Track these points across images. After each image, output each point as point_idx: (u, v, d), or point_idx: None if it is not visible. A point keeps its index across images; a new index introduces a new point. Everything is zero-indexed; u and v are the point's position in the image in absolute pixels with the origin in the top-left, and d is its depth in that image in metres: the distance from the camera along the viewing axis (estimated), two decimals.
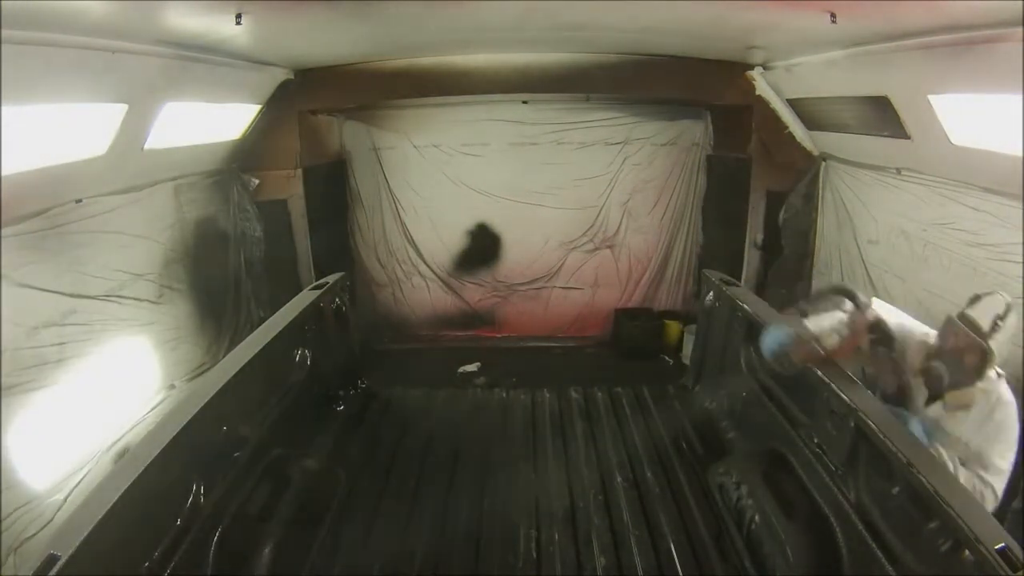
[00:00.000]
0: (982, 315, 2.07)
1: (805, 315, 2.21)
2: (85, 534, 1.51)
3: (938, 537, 1.65)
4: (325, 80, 4.99)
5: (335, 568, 2.36)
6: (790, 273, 5.27)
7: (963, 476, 2.04)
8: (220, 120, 4.51)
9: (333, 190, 6.05)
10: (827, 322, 2.17)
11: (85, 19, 2.42)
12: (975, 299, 2.15)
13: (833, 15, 2.78)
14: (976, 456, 2.05)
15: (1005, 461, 2.04)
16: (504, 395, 3.76)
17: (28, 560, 1.47)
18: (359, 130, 6.17)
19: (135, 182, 3.85)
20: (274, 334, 2.73)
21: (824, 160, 4.87)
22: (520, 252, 6.48)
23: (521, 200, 6.31)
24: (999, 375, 2.13)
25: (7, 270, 2.82)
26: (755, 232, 5.50)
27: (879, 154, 4.03)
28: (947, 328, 2.13)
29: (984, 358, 2.04)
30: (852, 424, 2.06)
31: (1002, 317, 2.06)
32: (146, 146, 3.64)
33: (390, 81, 5.04)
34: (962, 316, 2.10)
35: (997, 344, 2.04)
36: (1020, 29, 2.31)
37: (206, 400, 2.13)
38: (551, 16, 3.44)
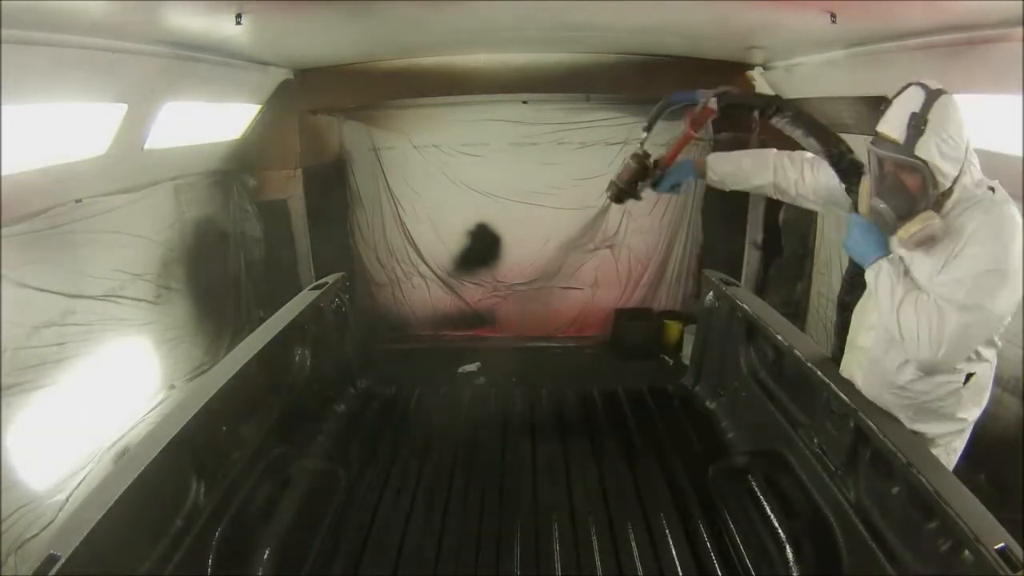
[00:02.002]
0: (896, 123, 1.68)
1: None
2: (85, 534, 1.51)
3: (938, 537, 1.65)
4: (325, 80, 4.98)
5: (335, 568, 2.36)
6: (790, 273, 5.28)
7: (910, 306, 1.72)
8: (220, 120, 4.51)
9: (333, 190, 6.04)
10: None
11: (85, 19, 2.41)
12: (885, 106, 1.75)
13: (833, 15, 2.78)
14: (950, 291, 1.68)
15: (991, 297, 1.63)
16: (504, 395, 3.76)
17: (29, 560, 1.46)
18: (359, 130, 6.16)
19: (135, 182, 3.85)
20: (274, 334, 2.73)
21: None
22: (520, 252, 6.48)
23: (521, 200, 6.31)
24: (990, 188, 1.73)
25: (7, 270, 2.82)
26: (755, 232, 5.50)
27: None
28: (868, 157, 1.79)
29: (923, 172, 1.66)
30: (852, 424, 2.06)
31: (921, 112, 1.64)
32: (146, 146, 3.64)
33: (390, 81, 5.04)
34: (875, 136, 1.74)
35: (928, 150, 1.63)
36: (1020, 29, 2.31)
37: (206, 400, 2.13)
38: (551, 16, 3.44)
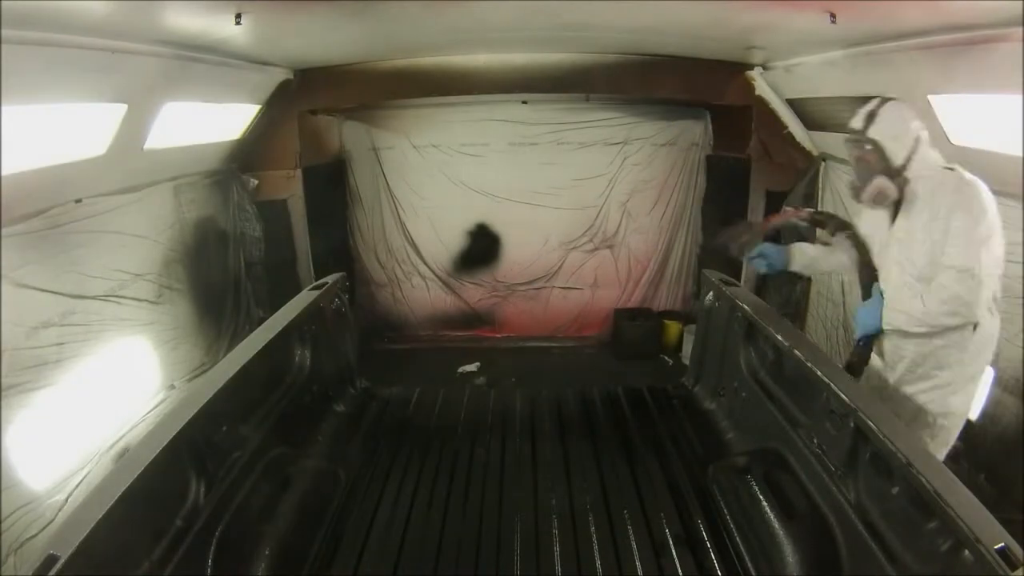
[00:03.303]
0: (858, 119, 2.36)
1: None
2: (85, 534, 1.50)
3: (938, 537, 1.65)
4: (325, 80, 4.99)
5: (335, 568, 2.36)
6: (790, 273, 5.27)
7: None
8: (220, 120, 4.51)
9: (333, 190, 6.05)
10: None
11: (85, 19, 2.41)
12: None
13: (833, 15, 2.78)
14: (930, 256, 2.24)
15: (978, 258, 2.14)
16: (503, 395, 3.76)
17: (29, 561, 1.46)
18: (359, 130, 6.17)
19: (135, 182, 3.85)
20: (274, 334, 2.72)
21: (824, 160, 4.87)
22: (520, 252, 6.49)
23: (521, 200, 6.32)
24: (948, 168, 2.27)
25: (7, 270, 2.82)
26: None
27: None
28: (847, 149, 2.43)
29: (876, 148, 2.28)
30: (852, 424, 2.06)
31: (874, 110, 2.31)
32: (146, 146, 3.64)
33: (390, 81, 5.04)
34: (848, 133, 2.41)
35: (880, 133, 2.27)
36: (1020, 29, 2.31)
37: (206, 400, 2.12)
38: (551, 16, 3.44)
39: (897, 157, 2.28)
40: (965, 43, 2.62)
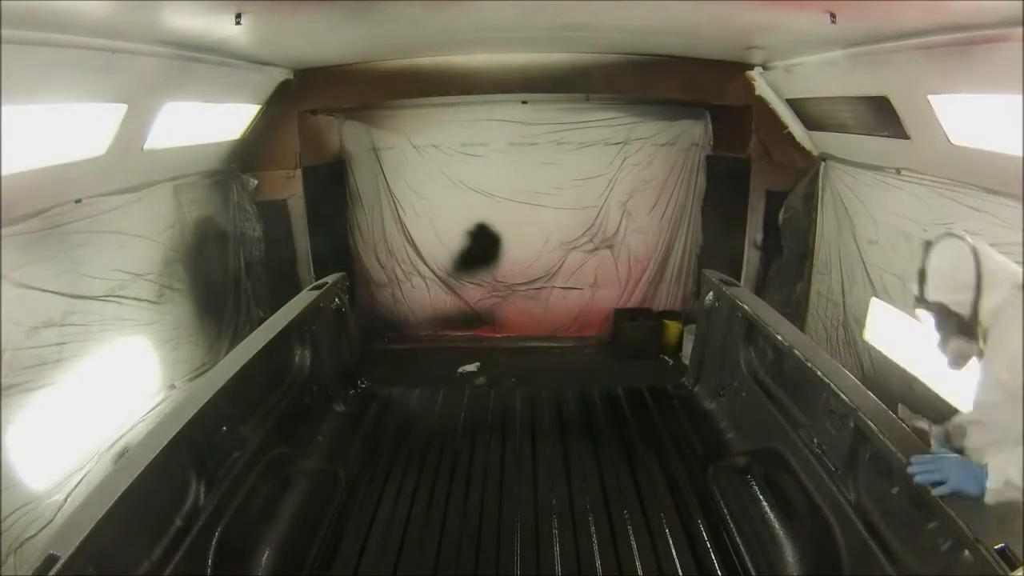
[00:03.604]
0: (914, 288, 1.99)
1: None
2: (85, 534, 1.50)
3: (938, 537, 1.65)
4: (325, 80, 4.99)
5: (335, 568, 2.36)
6: (790, 273, 5.28)
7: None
8: (220, 120, 4.51)
9: (333, 190, 6.05)
10: None
11: (85, 19, 2.42)
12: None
13: (833, 15, 2.78)
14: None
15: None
16: (503, 395, 3.76)
17: (28, 561, 1.46)
18: (359, 130, 6.17)
19: (135, 182, 3.85)
20: (274, 334, 2.73)
21: (824, 160, 4.88)
22: (520, 252, 6.49)
23: (521, 200, 6.31)
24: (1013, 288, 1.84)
25: (7, 270, 2.81)
26: (755, 232, 5.50)
27: (879, 154, 4.03)
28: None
29: (941, 309, 1.90)
30: (852, 424, 2.06)
31: (922, 269, 1.95)
32: (146, 146, 3.64)
33: (390, 81, 5.04)
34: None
35: (934, 289, 1.90)
36: (1020, 29, 2.31)
37: (206, 400, 2.13)
38: (551, 16, 3.44)
39: (963, 309, 1.89)
40: (965, 43, 2.62)
